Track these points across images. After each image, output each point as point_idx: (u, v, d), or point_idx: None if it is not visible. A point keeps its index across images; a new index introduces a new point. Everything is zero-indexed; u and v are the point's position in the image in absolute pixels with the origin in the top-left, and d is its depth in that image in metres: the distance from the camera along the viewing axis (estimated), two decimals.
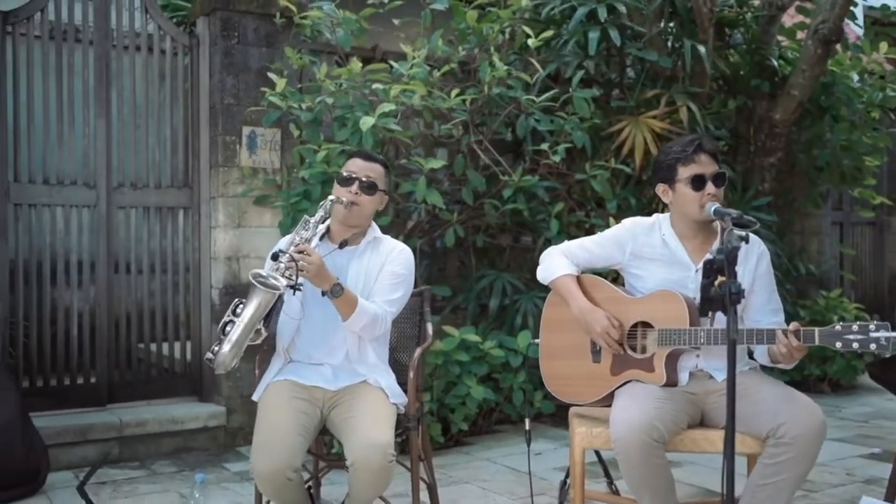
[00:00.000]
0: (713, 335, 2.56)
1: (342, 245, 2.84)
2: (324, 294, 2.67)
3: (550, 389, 2.95)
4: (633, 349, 2.77)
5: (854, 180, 6.42)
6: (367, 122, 3.98)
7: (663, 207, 2.91)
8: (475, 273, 5.08)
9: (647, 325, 2.75)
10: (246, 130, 4.66)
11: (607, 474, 3.66)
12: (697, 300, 2.43)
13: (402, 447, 3.20)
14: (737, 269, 2.22)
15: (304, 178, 4.34)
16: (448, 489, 3.77)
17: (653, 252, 2.82)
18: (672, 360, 2.69)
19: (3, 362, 4.20)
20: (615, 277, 3.06)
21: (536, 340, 3.03)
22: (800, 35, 6.04)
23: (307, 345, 2.83)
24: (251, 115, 4.63)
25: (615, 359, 2.78)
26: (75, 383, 4.49)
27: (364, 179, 2.82)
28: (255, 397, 2.88)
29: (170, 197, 4.76)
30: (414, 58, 4.38)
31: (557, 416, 4.85)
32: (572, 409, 3.04)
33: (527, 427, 3.13)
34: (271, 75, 4.40)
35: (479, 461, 4.33)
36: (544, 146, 4.64)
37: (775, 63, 5.86)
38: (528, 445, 3.10)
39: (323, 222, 2.74)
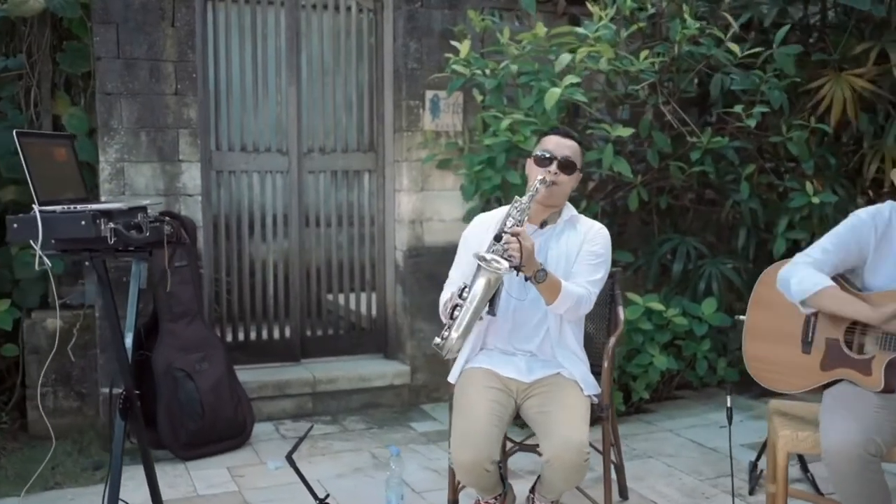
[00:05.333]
0: None
1: (542, 225, 2.86)
2: (527, 279, 2.65)
3: (750, 371, 2.86)
4: (850, 346, 2.63)
5: None
6: (552, 95, 3.89)
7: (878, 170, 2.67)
8: (658, 235, 4.93)
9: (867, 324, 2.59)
10: (429, 94, 4.68)
11: (804, 468, 3.52)
12: None
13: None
14: None
15: (489, 145, 4.32)
16: (632, 464, 3.75)
17: (890, 247, 2.61)
18: (894, 367, 2.52)
19: (211, 319, 4.52)
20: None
21: (742, 317, 2.93)
22: None
23: (504, 328, 2.85)
24: (434, 79, 4.63)
25: (828, 353, 2.65)
26: (272, 338, 4.78)
27: (562, 158, 2.79)
28: (451, 379, 2.96)
29: (355, 161, 4.89)
30: (601, 18, 4.21)
31: (742, 383, 4.68)
32: (772, 405, 2.93)
33: (728, 404, 2.91)
34: (454, 43, 4.37)
35: (661, 432, 4.28)
36: (738, 108, 4.36)
37: None
38: (730, 423, 2.92)
39: (530, 205, 2.69)
